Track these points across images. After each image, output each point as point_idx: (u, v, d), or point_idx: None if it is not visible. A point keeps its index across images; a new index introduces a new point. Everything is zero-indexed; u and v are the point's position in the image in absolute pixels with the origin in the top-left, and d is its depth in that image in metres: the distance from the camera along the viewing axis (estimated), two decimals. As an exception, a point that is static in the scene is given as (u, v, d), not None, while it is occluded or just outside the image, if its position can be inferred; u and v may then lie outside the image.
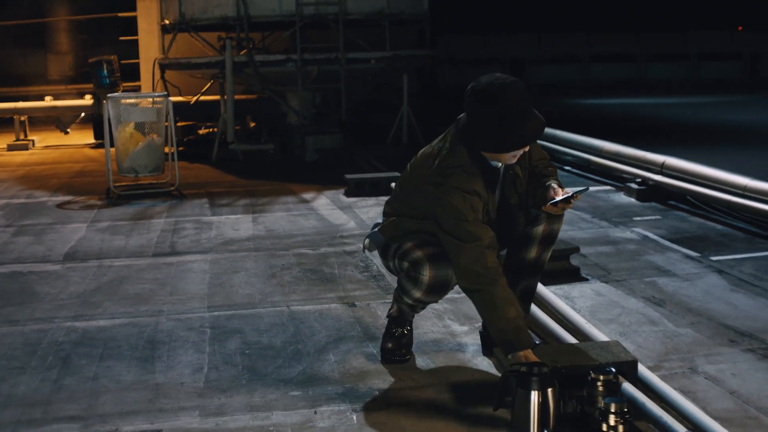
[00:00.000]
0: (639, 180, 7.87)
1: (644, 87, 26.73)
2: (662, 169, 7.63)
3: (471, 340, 4.19)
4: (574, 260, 5.42)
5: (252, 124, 12.74)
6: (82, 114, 14.05)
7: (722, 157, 9.96)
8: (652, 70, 29.44)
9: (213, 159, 11.19)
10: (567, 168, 9.55)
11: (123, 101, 8.65)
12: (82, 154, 12.23)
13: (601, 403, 3.03)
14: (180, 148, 9.85)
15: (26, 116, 13.45)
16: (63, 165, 11.05)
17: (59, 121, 14.10)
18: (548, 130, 9.93)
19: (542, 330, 4.04)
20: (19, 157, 11.96)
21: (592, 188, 8.21)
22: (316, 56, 11.48)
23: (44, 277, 5.54)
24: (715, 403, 3.43)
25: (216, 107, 11.88)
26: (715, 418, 3.09)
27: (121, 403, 3.56)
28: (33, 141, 13.22)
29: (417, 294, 3.71)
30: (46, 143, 13.55)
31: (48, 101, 13.70)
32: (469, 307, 4.24)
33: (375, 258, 5.61)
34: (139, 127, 8.60)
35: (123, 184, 8.76)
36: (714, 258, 5.66)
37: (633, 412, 3.03)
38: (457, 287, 3.67)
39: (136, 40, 14.43)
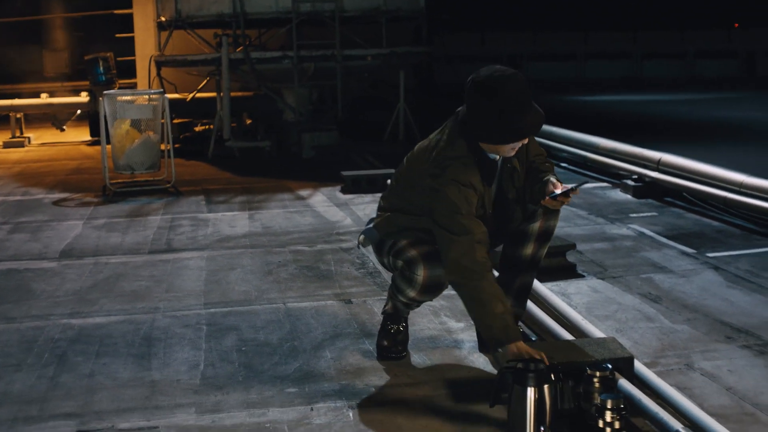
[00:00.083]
0: (635, 177, 7.87)
1: (640, 84, 26.76)
2: (658, 165, 7.63)
3: (467, 336, 4.19)
4: (571, 257, 5.42)
5: (248, 121, 12.74)
6: (78, 111, 14.03)
7: (718, 153, 9.98)
8: (647, 68, 29.50)
9: (209, 156, 11.18)
10: (563, 165, 9.54)
11: (119, 98, 8.64)
12: (78, 152, 12.21)
13: (598, 400, 3.03)
14: (176, 146, 9.82)
15: (22, 113, 13.43)
16: (59, 162, 11.03)
17: (55, 118, 14.08)
18: (544, 127, 9.88)
19: (538, 327, 4.05)
20: (15, 154, 11.95)
21: (588, 185, 8.21)
22: (312, 53, 11.48)
23: (40, 275, 5.53)
24: (712, 399, 3.44)
25: (212, 104, 11.87)
26: (712, 415, 3.09)
27: (118, 400, 3.56)
28: (29, 138, 13.21)
29: (411, 293, 3.70)
30: (42, 140, 13.53)
31: (44, 98, 13.68)
32: (466, 303, 4.24)
33: (370, 254, 5.60)
34: (135, 124, 8.60)
35: (119, 181, 8.75)
36: (710, 254, 5.66)
37: (629, 409, 3.03)
38: (452, 285, 3.67)
39: (133, 38, 14.44)
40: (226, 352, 4.08)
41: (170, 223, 7.05)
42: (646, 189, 7.69)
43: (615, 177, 8.39)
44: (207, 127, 12.24)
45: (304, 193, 8.32)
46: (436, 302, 4.60)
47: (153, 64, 12.43)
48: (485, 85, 3.38)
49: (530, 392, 3.01)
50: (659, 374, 3.50)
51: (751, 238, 6.13)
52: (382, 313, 3.99)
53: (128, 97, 8.76)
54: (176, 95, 12.26)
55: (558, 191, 3.49)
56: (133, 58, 14.37)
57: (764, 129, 14.28)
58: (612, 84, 26.86)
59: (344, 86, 11.78)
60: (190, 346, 4.16)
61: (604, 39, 29.85)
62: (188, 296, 4.99)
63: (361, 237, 3.89)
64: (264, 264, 5.67)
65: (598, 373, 3.12)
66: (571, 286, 5.02)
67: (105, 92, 8.75)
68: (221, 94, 11.39)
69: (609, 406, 2.95)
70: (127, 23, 14.68)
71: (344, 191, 8.27)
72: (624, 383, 3.25)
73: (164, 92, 9.02)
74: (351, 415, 3.37)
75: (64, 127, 14.17)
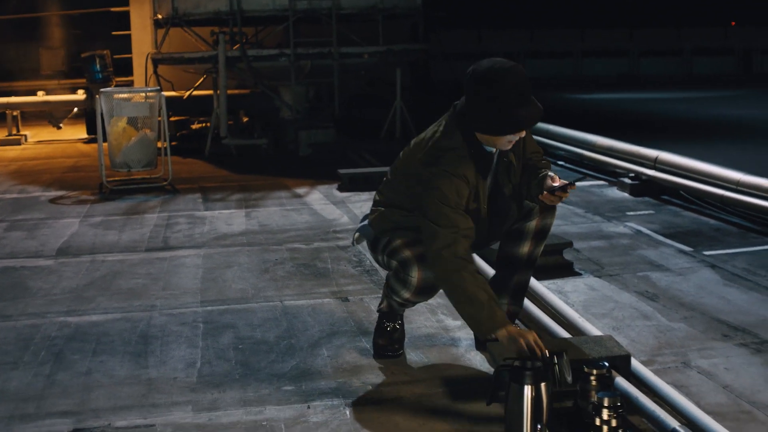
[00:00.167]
0: (632, 175, 7.87)
1: (637, 82, 26.77)
2: (655, 163, 7.64)
3: (464, 335, 4.19)
4: (568, 255, 5.42)
5: (245, 119, 12.73)
6: (75, 109, 14.01)
7: (715, 151, 9.99)
8: (644, 65, 29.52)
9: (206, 154, 11.17)
10: (560, 163, 9.55)
11: (116, 96, 8.62)
12: (74, 149, 12.19)
13: (594, 398, 3.03)
14: (173, 143, 9.82)
15: (18, 111, 13.40)
16: (55, 160, 11.02)
17: (52, 116, 14.06)
18: (541, 125, 9.93)
19: (535, 324, 4.05)
20: (12, 152, 11.93)
21: (585, 183, 8.21)
22: (309, 51, 11.47)
23: (37, 272, 5.53)
24: (708, 397, 3.44)
25: (209, 102, 11.86)
26: (708, 413, 3.10)
27: (114, 398, 3.56)
28: (25, 136, 13.19)
29: (406, 294, 3.70)
30: (38, 138, 13.51)
31: (40, 96, 13.64)
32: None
33: (367, 252, 5.58)
34: (132, 121, 8.59)
35: (116, 179, 8.74)
36: (707, 252, 5.66)
37: (626, 407, 3.03)
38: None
39: (129, 35, 14.40)
40: (223, 350, 4.08)
41: (167, 220, 7.04)
42: (643, 187, 7.69)
43: (612, 175, 8.39)
44: (204, 124, 12.23)
45: (300, 190, 8.31)
46: (433, 300, 4.59)
47: (150, 61, 12.42)
48: (486, 77, 3.38)
49: (527, 390, 3.01)
50: (656, 372, 3.50)
51: (748, 237, 6.13)
52: (378, 312, 3.98)
53: (125, 95, 8.74)
54: (173, 93, 12.24)
55: (556, 185, 3.49)
56: (129, 55, 14.33)
57: (761, 127, 14.29)
58: (609, 82, 26.89)
59: (341, 84, 11.78)
60: (187, 344, 4.16)
61: (600, 36, 29.87)
62: (185, 294, 4.99)
63: (356, 234, 3.89)
64: (261, 262, 5.66)
65: (595, 371, 3.12)
66: (568, 284, 5.02)
67: (102, 90, 8.73)
68: (218, 91, 11.37)
69: (606, 404, 2.95)
70: (124, 21, 14.64)
71: (341, 189, 8.26)
72: (621, 381, 3.25)
73: (161, 90, 9.00)
74: (348, 413, 3.37)
75: (61, 124, 14.15)
